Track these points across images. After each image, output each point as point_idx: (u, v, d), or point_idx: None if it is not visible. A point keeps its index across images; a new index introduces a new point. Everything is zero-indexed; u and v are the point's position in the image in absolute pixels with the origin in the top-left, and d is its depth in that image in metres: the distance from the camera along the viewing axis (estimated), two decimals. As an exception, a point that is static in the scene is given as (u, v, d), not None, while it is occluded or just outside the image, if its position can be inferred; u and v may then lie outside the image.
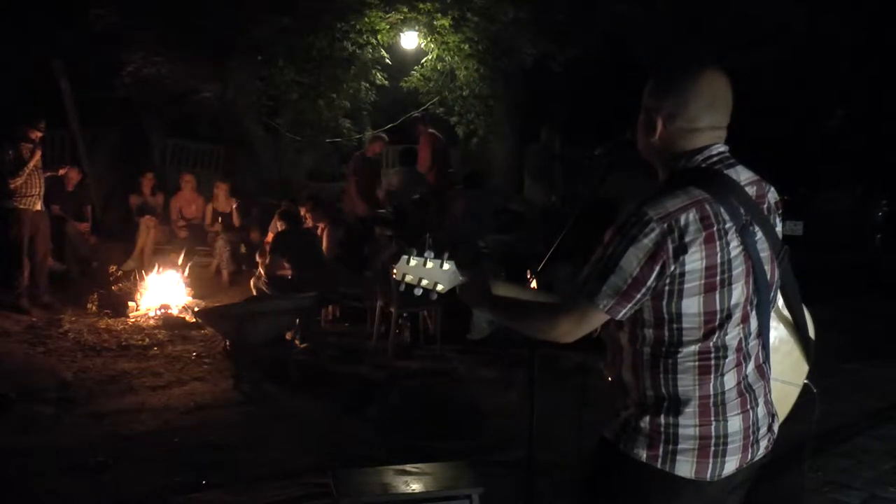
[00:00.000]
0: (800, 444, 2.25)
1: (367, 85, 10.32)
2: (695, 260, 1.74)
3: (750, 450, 1.85)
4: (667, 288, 1.76)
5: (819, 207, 11.02)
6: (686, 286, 1.76)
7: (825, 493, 3.94)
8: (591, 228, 1.87)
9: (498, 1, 9.74)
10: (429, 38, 10.10)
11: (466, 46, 10.10)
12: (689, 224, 1.73)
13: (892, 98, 11.27)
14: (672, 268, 1.74)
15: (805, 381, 2.14)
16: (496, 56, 10.33)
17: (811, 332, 2.12)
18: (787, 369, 2.08)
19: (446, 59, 10.26)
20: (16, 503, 4.05)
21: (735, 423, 1.82)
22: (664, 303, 1.78)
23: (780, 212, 1.97)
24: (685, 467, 1.79)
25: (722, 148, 1.87)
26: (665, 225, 1.73)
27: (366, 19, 9.65)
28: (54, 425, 5.03)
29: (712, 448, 1.80)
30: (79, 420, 5.12)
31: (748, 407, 1.84)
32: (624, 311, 1.79)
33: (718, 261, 1.76)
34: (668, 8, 10.20)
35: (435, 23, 9.78)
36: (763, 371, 1.91)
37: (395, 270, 2.12)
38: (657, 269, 1.74)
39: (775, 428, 1.94)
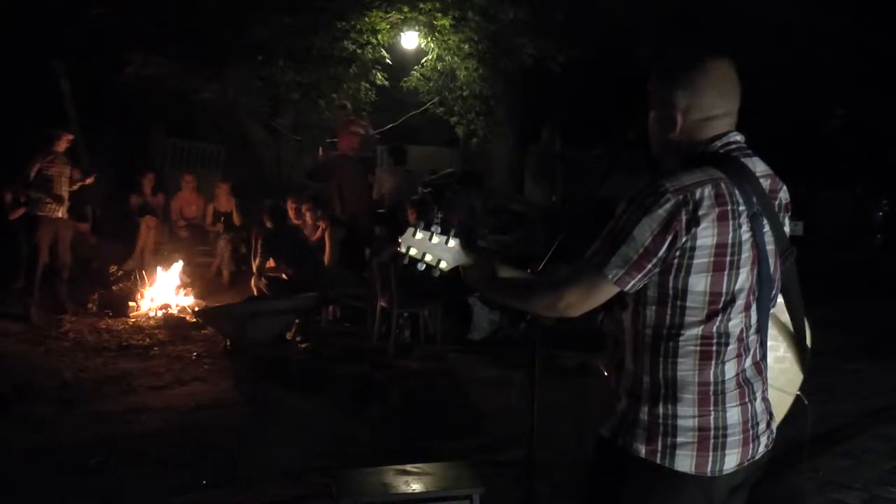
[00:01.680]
0: (795, 448, 2.24)
1: (368, 85, 10.32)
2: (706, 235, 1.74)
3: (751, 445, 1.84)
4: (676, 261, 1.75)
5: (819, 207, 11.02)
6: (695, 261, 1.75)
7: (825, 493, 3.93)
8: (592, 229, 1.86)
9: (498, 1, 9.74)
10: (429, 38, 10.10)
11: (466, 46, 10.11)
12: (703, 198, 1.73)
13: (892, 98, 11.27)
14: (683, 240, 1.73)
15: (797, 393, 2.13)
16: (496, 56, 10.33)
17: (808, 341, 2.11)
18: (784, 378, 2.07)
19: (446, 59, 10.26)
20: (16, 503, 4.05)
21: (734, 415, 1.81)
22: (671, 277, 1.77)
23: (789, 213, 1.97)
24: (685, 462, 1.78)
25: (739, 137, 1.88)
26: (680, 196, 1.73)
27: (366, 19, 9.65)
28: (54, 425, 5.03)
29: (711, 441, 1.79)
30: (79, 420, 5.12)
31: (746, 400, 1.84)
32: (633, 282, 1.78)
33: (729, 241, 1.76)
34: (668, 8, 10.20)
35: (435, 23, 9.78)
36: (760, 368, 1.90)
37: (399, 241, 2.09)
38: (669, 239, 1.73)
39: (773, 427, 1.93)
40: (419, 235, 2.07)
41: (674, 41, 9.78)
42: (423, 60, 10.45)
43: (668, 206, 1.73)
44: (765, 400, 1.90)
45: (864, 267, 9.62)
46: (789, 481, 3.70)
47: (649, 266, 1.76)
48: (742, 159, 1.85)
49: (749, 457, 1.84)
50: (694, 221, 1.73)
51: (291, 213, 7.84)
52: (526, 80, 11.26)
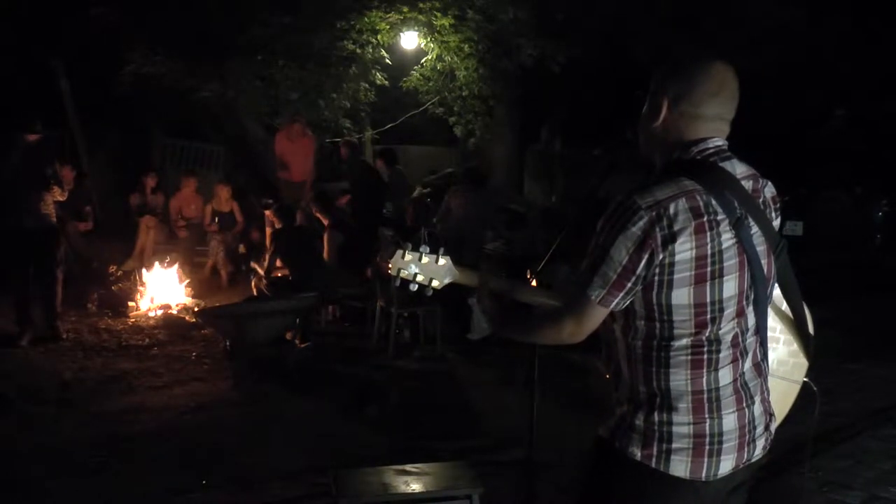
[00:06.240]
0: (800, 444, 2.24)
1: (367, 85, 10.32)
2: (685, 250, 1.72)
3: (746, 449, 1.83)
4: (656, 278, 1.74)
5: (819, 207, 11.02)
6: (676, 276, 1.74)
7: (825, 493, 3.94)
8: (591, 229, 1.86)
9: (498, 1, 9.73)
10: (429, 38, 10.11)
11: (466, 46, 10.10)
12: (678, 213, 1.71)
13: (892, 98, 11.27)
14: (661, 256, 1.72)
15: (805, 380, 2.12)
16: (496, 56, 10.33)
17: (810, 328, 2.10)
18: (786, 365, 2.06)
19: (446, 59, 10.26)
20: (16, 503, 4.05)
21: (730, 421, 1.80)
22: (654, 293, 1.76)
23: (776, 206, 1.95)
24: (680, 467, 1.78)
25: (720, 142, 1.85)
26: (654, 213, 1.71)
27: (366, 19, 9.65)
28: (54, 425, 5.03)
29: (707, 447, 1.79)
30: (79, 420, 5.12)
31: (743, 405, 1.83)
32: (616, 301, 1.77)
33: (709, 251, 1.74)
34: (668, 8, 10.20)
35: (435, 23, 9.78)
36: (761, 369, 1.89)
37: (389, 265, 2.10)
38: (646, 257, 1.72)
39: (773, 428, 1.92)
40: (408, 257, 2.09)
41: (674, 41, 9.78)
42: (423, 60, 10.45)
43: (641, 223, 1.71)
44: (764, 401, 1.90)
45: (864, 267, 9.62)
46: (789, 481, 3.70)
47: (629, 285, 1.75)
48: (720, 164, 1.82)
49: (745, 460, 1.84)
50: (670, 238, 1.71)
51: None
52: (526, 80, 11.25)
